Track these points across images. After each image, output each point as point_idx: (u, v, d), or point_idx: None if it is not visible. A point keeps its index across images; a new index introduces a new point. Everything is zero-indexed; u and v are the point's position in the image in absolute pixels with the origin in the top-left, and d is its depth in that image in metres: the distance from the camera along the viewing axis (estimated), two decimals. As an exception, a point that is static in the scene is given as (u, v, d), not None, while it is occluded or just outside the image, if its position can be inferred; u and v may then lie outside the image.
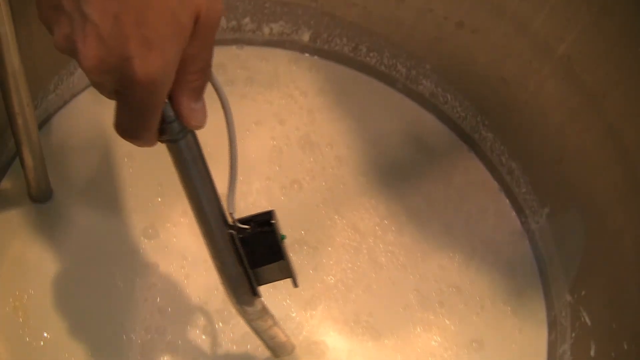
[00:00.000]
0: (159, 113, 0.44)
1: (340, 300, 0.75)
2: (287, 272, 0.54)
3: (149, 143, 0.46)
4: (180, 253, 0.76)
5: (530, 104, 0.77)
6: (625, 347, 0.62)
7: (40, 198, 0.74)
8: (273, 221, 0.51)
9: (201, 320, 0.72)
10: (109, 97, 0.44)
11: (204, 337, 0.70)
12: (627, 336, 0.62)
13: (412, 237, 0.79)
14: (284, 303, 0.73)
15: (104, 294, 0.72)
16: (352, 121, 0.85)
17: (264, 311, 0.59)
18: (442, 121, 0.87)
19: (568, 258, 0.74)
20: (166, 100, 0.44)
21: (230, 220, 0.51)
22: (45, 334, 0.68)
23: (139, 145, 0.46)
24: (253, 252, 0.52)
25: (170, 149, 0.47)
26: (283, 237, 0.52)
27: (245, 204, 0.78)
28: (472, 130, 0.84)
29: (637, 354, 0.60)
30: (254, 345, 0.69)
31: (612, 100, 0.67)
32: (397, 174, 0.83)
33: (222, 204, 0.51)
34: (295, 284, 0.55)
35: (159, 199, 0.77)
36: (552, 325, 0.74)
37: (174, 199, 0.76)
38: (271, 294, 0.70)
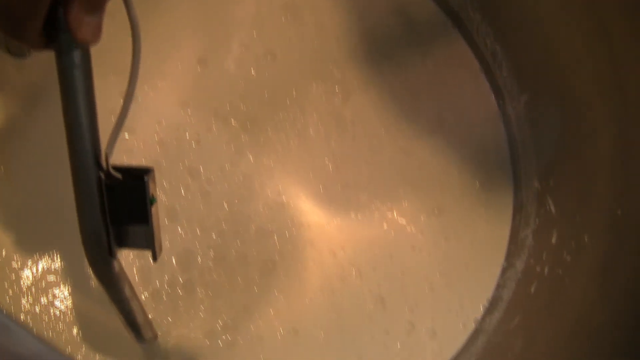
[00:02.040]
0: (38, 14, 0.40)
1: (303, 171, 0.77)
2: (150, 242, 0.51)
3: (30, 46, 0.43)
4: (155, 118, 0.76)
5: (522, -12, 0.75)
6: (586, 240, 0.65)
7: (19, 52, 0.71)
8: (145, 178, 0.49)
9: (171, 179, 0.74)
10: None
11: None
12: (589, 230, 0.65)
13: (379, 105, 0.80)
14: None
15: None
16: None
17: (121, 279, 0.54)
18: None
19: (541, 146, 0.75)
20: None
21: (104, 162, 0.48)
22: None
23: (20, 42, 0.42)
24: (118, 205, 0.49)
25: (57, 60, 0.44)
26: (153, 201, 0.50)
27: (220, 72, 0.78)
28: (460, 8, 0.81)
29: (595, 248, 0.63)
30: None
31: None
32: (376, 43, 0.82)
33: (100, 143, 0.48)
34: (154, 258, 0.52)
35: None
36: (518, 209, 0.77)
37: (153, 63, 0.75)
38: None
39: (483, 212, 0.78)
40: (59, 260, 0.70)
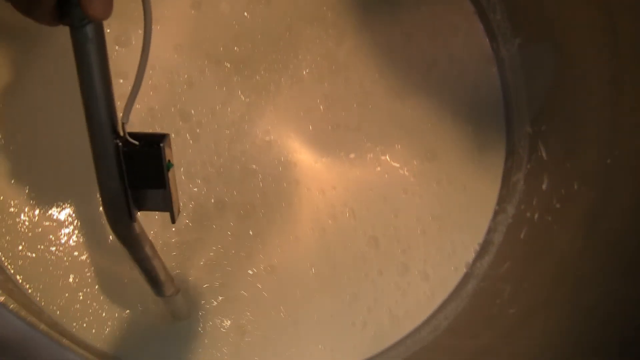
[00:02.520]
0: None
1: (294, 111, 0.78)
2: (168, 204, 0.53)
3: (45, 22, 0.44)
4: (149, 62, 0.75)
5: None
6: (575, 187, 0.66)
7: None
8: (161, 145, 0.49)
9: (162, 123, 0.74)
10: None
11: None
12: (579, 177, 0.66)
13: (373, 48, 0.80)
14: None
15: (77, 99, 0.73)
16: None
17: (141, 239, 0.56)
18: None
19: (534, 90, 0.75)
20: None
21: (120, 131, 0.49)
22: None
23: (35, 20, 0.44)
24: (136, 170, 0.50)
25: (72, 35, 0.45)
26: (169, 166, 0.51)
27: (213, 14, 0.78)
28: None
29: (584, 196, 0.65)
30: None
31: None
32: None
33: (116, 111, 0.49)
34: (173, 220, 0.54)
35: (132, 3, 0.74)
36: (510, 152, 0.78)
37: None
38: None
39: (476, 156, 0.78)
40: (56, 206, 0.71)
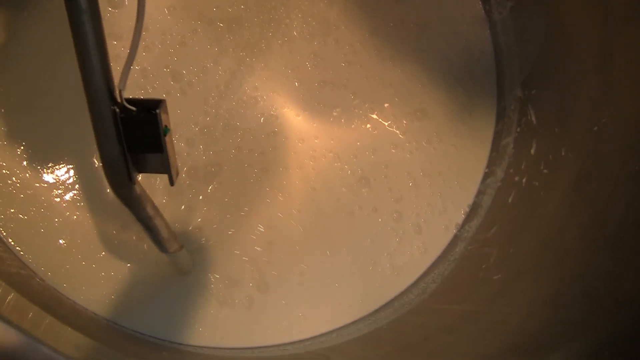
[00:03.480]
0: None
1: (283, 68, 0.78)
2: (166, 167, 0.54)
3: None
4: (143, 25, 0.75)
5: None
6: (563, 153, 0.67)
7: None
8: (157, 111, 0.50)
9: (154, 84, 0.74)
10: None
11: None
12: (567, 143, 0.67)
13: (364, 9, 0.80)
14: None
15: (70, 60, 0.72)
16: None
17: (141, 200, 0.57)
18: None
19: (525, 53, 0.75)
20: None
21: (118, 97, 0.50)
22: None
23: None
24: (134, 136, 0.51)
25: (65, 6, 0.46)
26: (166, 131, 0.52)
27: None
28: None
29: (571, 163, 0.65)
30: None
31: None
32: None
33: (113, 79, 0.49)
34: (172, 182, 0.55)
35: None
36: (500, 115, 0.78)
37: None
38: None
39: (467, 117, 0.79)
40: (47, 169, 0.71)
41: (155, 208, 0.60)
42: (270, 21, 0.78)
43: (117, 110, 0.50)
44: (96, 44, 0.47)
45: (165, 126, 0.52)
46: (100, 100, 0.49)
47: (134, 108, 0.50)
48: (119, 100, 0.50)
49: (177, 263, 0.67)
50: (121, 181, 0.54)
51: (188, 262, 0.69)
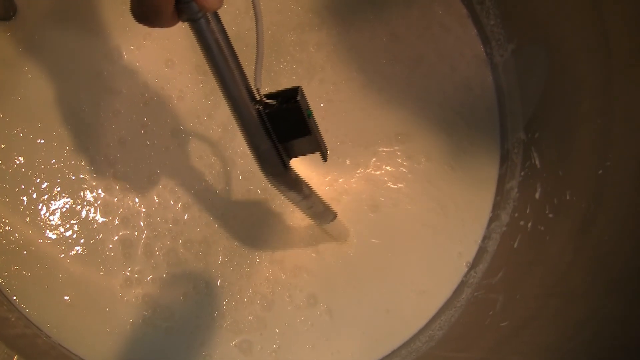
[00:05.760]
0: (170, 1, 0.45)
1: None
2: (316, 146, 0.56)
3: (167, 24, 0.47)
4: (141, 78, 0.75)
5: None
6: (567, 197, 0.65)
7: (4, 15, 0.74)
8: (298, 97, 0.52)
9: (160, 141, 0.75)
10: None
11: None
12: (571, 186, 0.66)
13: (358, 45, 0.80)
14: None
15: (71, 116, 0.74)
16: None
17: (297, 182, 0.60)
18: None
19: (527, 96, 0.75)
20: None
21: (257, 96, 0.53)
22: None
23: (158, 27, 0.47)
24: (280, 127, 0.54)
25: (192, 28, 0.48)
26: (310, 113, 0.54)
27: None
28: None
29: (576, 207, 0.64)
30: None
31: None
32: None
33: (248, 81, 0.52)
34: (324, 158, 0.57)
35: (122, 18, 0.76)
36: (504, 158, 0.77)
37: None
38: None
39: (469, 160, 0.78)
40: (49, 224, 0.72)
41: (309, 187, 0.62)
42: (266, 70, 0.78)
43: (260, 107, 0.53)
44: (227, 55, 0.50)
45: (308, 109, 0.54)
46: (244, 105, 0.52)
47: (274, 102, 0.53)
48: (258, 98, 0.53)
49: (334, 231, 0.72)
50: (277, 172, 0.57)
51: (344, 228, 0.73)
